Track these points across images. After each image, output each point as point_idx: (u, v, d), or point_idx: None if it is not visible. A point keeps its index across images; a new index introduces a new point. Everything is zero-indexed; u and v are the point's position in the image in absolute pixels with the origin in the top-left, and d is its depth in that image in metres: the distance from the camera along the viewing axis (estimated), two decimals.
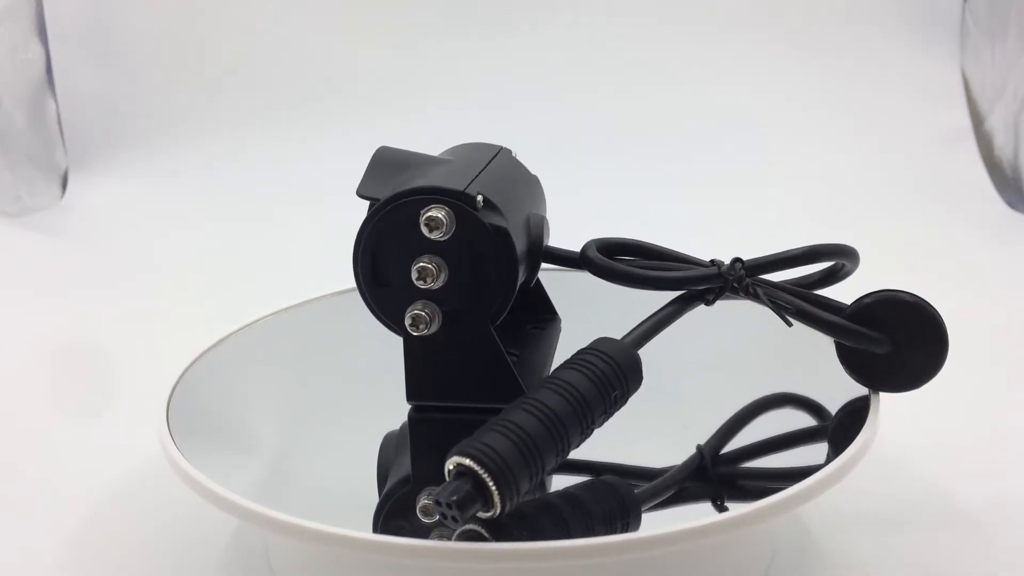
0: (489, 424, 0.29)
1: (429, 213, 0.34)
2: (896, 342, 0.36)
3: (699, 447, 0.35)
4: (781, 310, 0.35)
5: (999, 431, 0.49)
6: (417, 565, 0.31)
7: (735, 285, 0.36)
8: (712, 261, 0.36)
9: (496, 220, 0.35)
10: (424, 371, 0.36)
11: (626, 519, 0.32)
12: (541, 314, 0.43)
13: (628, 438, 0.36)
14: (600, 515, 0.32)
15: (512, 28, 0.98)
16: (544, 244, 0.40)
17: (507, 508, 0.28)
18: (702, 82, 0.97)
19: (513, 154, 0.42)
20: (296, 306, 0.48)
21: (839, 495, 0.33)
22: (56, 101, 0.89)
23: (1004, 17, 0.92)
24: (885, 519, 0.40)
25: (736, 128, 0.94)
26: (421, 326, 0.35)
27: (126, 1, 0.94)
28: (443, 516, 0.28)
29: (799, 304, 0.35)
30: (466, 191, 0.34)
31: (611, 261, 0.36)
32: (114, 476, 0.44)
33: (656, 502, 0.33)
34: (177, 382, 0.39)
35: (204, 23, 0.96)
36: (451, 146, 0.42)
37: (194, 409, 0.37)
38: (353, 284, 0.36)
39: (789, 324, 0.35)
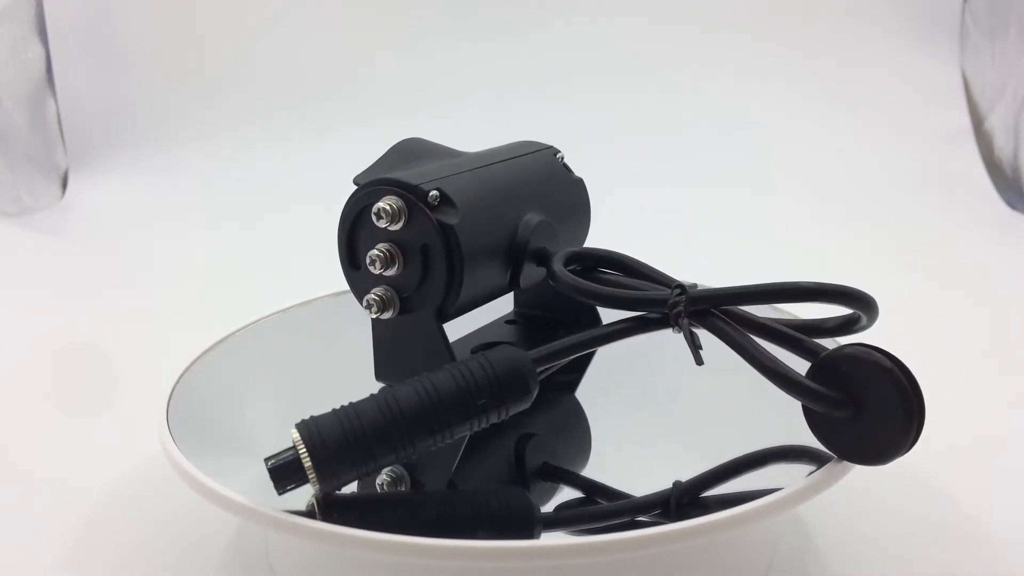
0: (344, 406, 0.30)
1: (378, 203, 0.35)
2: (859, 407, 0.30)
3: (675, 484, 0.32)
4: (698, 349, 0.32)
5: (999, 430, 0.49)
6: (418, 564, 0.31)
7: (666, 313, 0.32)
8: (677, 285, 0.33)
9: (446, 217, 0.35)
10: (387, 354, 0.38)
11: (521, 531, 0.31)
12: (586, 321, 0.42)
13: (624, 448, 0.37)
14: (494, 521, 0.31)
15: (512, 29, 0.98)
16: (544, 248, 0.39)
17: (326, 486, 0.29)
18: (702, 82, 0.97)
19: (557, 155, 0.43)
20: (295, 306, 0.48)
21: (839, 495, 0.33)
22: (56, 101, 0.89)
23: (1004, 17, 0.92)
24: (885, 519, 0.40)
25: (736, 128, 0.94)
26: (374, 309, 0.36)
27: (126, 1, 0.94)
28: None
29: (751, 347, 0.31)
30: (420, 186, 0.35)
31: (568, 273, 0.35)
32: (114, 476, 0.44)
33: (569, 528, 0.32)
34: (177, 382, 0.39)
35: (204, 23, 0.96)
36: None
37: (194, 409, 0.37)
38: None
39: (698, 363, 0.32)
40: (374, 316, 0.37)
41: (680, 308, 0.32)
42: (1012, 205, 0.88)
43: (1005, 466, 0.45)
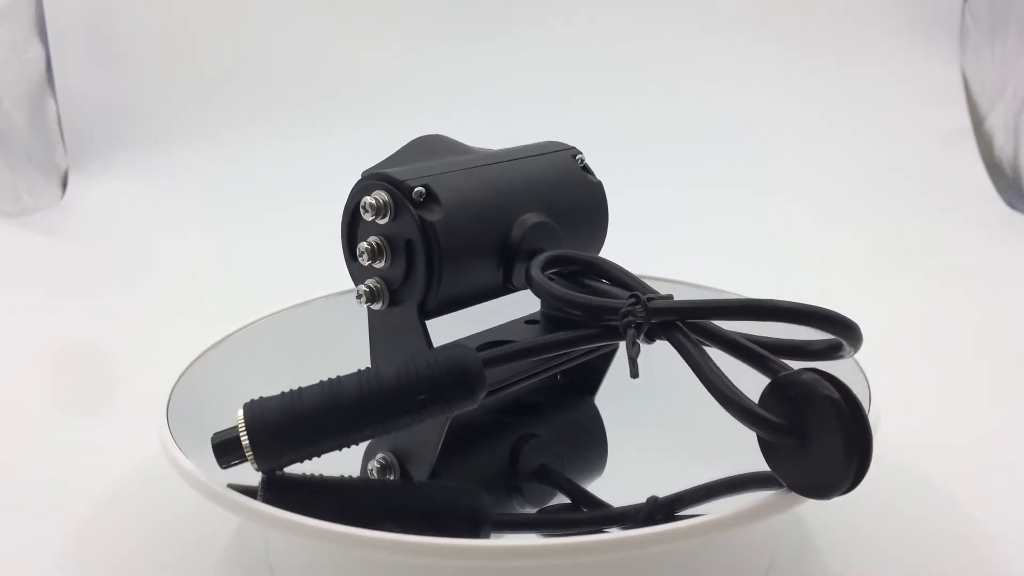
0: (292, 390, 0.31)
1: (367, 197, 0.36)
2: (804, 436, 0.28)
3: (650, 499, 0.31)
4: (634, 360, 0.31)
5: (999, 430, 0.49)
6: (417, 562, 0.31)
7: (616, 322, 0.32)
8: (632, 294, 0.32)
9: (428, 213, 0.36)
10: (378, 343, 0.39)
11: (469, 530, 0.31)
12: None
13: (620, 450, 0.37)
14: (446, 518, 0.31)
15: (512, 29, 0.98)
16: (540, 249, 0.38)
17: (263, 465, 0.31)
18: (702, 82, 0.97)
19: (577, 157, 0.42)
20: (295, 307, 0.48)
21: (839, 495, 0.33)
22: (56, 101, 0.89)
23: (1004, 17, 0.92)
24: (885, 519, 0.40)
25: (736, 128, 0.94)
26: (364, 299, 0.37)
27: (126, 1, 0.94)
28: None
29: (704, 365, 0.29)
30: (406, 182, 0.36)
31: (541, 275, 0.35)
32: (114, 476, 0.44)
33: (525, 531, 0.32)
34: (177, 382, 0.39)
35: (204, 24, 0.96)
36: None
37: (194, 409, 0.37)
38: (352, 286, 0.38)
39: (633, 376, 0.31)
40: (364, 305, 0.38)
41: (631, 318, 0.31)
42: (1012, 205, 0.88)
43: (1005, 466, 0.45)
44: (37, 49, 0.87)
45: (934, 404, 0.51)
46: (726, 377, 0.29)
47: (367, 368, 0.32)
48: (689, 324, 0.31)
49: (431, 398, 0.31)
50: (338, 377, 0.32)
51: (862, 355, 0.40)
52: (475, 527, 0.31)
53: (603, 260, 0.36)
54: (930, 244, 0.80)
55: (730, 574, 0.35)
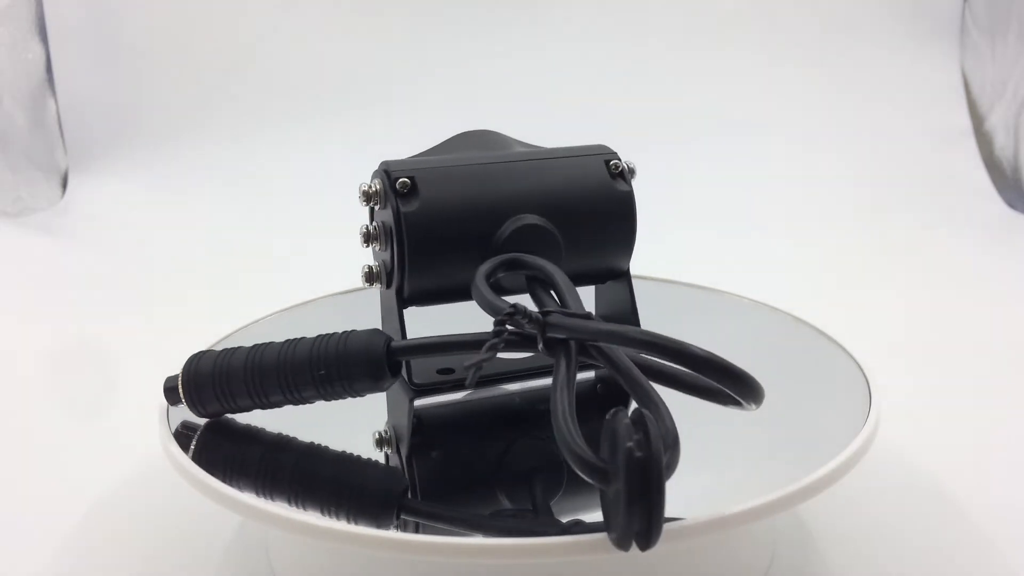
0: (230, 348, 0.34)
1: (362, 184, 0.38)
2: (607, 481, 0.25)
3: (572, 522, 0.30)
4: (475, 373, 0.30)
5: (999, 430, 0.49)
6: (416, 561, 0.31)
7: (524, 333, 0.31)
8: (508, 311, 0.31)
9: (406, 205, 0.37)
10: (382, 320, 0.40)
11: (376, 512, 0.30)
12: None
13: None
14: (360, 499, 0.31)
15: (512, 29, 0.98)
16: (517, 252, 0.38)
17: (197, 411, 0.34)
18: (701, 82, 0.97)
19: (611, 163, 0.41)
20: (295, 306, 0.48)
21: (839, 494, 0.33)
22: (56, 101, 0.89)
23: (1004, 17, 0.92)
24: (885, 519, 0.40)
25: (736, 128, 0.94)
26: (363, 279, 0.40)
27: (126, 1, 0.94)
28: None
29: (557, 390, 0.28)
30: (393, 172, 0.38)
31: (481, 277, 0.35)
32: (114, 476, 0.44)
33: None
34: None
35: (204, 23, 0.96)
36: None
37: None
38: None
39: (468, 385, 0.31)
40: (364, 283, 0.40)
41: (502, 328, 0.31)
42: (1012, 205, 0.88)
43: (1005, 466, 0.45)
44: (37, 49, 0.87)
45: (934, 404, 0.51)
46: (569, 408, 0.27)
47: (294, 339, 0.34)
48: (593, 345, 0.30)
49: (335, 375, 0.32)
50: (268, 343, 0.34)
51: (862, 355, 0.40)
52: (378, 508, 0.31)
53: (551, 270, 0.35)
54: (930, 244, 0.80)
55: (730, 574, 0.35)
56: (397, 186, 0.37)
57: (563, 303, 0.33)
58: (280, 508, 0.29)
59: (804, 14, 1.00)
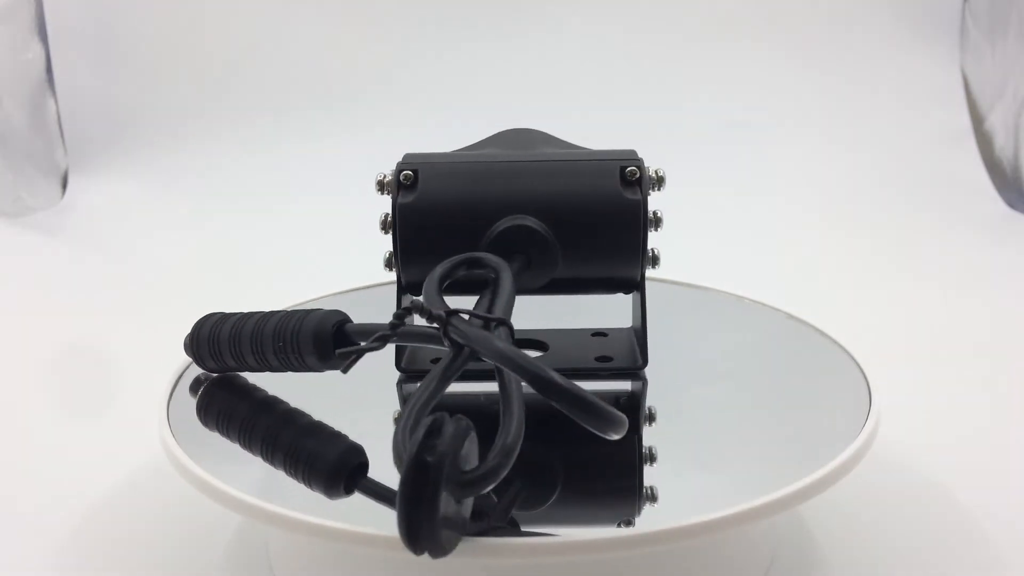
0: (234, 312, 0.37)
1: (379, 175, 0.40)
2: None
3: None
4: (352, 362, 0.32)
5: (999, 430, 0.49)
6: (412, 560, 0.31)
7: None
8: (412, 301, 0.32)
9: (403, 197, 0.39)
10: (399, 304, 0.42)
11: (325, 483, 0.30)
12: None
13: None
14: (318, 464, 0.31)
15: (512, 29, 0.98)
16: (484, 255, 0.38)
17: (201, 366, 0.38)
18: (701, 82, 0.97)
19: (627, 170, 0.39)
20: (295, 306, 0.48)
21: (840, 495, 0.33)
22: (56, 101, 0.89)
23: (1004, 17, 0.92)
24: (886, 519, 0.40)
25: (735, 128, 0.94)
26: (385, 264, 0.41)
27: (126, 1, 0.94)
28: None
29: (428, 382, 0.29)
30: (401, 164, 0.39)
31: (434, 275, 0.35)
32: (114, 476, 0.44)
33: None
34: (177, 381, 0.39)
35: (204, 23, 0.96)
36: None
37: (195, 407, 0.37)
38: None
39: (344, 371, 0.32)
40: (384, 269, 0.41)
41: (398, 322, 0.31)
42: (1012, 205, 0.88)
43: (1005, 466, 0.45)
44: (37, 49, 0.87)
45: (934, 404, 0.51)
46: (425, 401, 0.28)
47: (276, 311, 0.36)
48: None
49: (289, 348, 0.34)
50: (257, 312, 0.36)
51: (862, 355, 0.40)
52: (328, 477, 0.31)
53: (502, 274, 0.35)
54: (930, 244, 0.80)
55: (730, 574, 0.35)
56: (400, 178, 0.39)
57: (488, 307, 0.33)
58: (280, 508, 0.30)
59: (803, 14, 1.00)
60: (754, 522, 0.29)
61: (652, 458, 0.36)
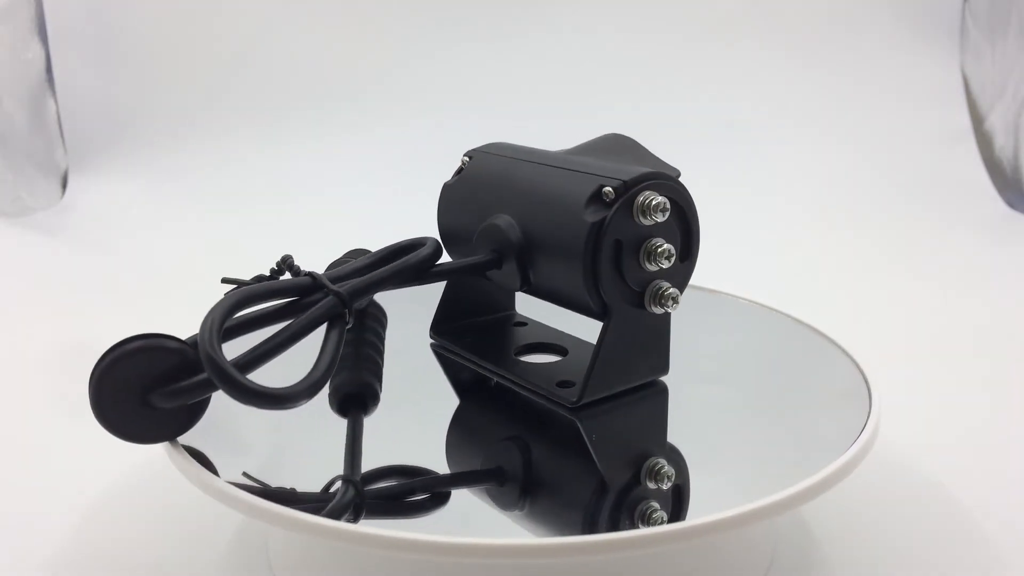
0: None
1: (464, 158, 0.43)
2: None
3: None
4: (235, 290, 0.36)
5: (1000, 430, 0.49)
6: (416, 560, 0.31)
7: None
8: (308, 273, 0.37)
9: (451, 179, 0.42)
10: None
11: None
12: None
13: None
14: None
15: (514, 31, 0.98)
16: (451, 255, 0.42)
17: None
18: (701, 82, 0.97)
19: (603, 187, 0.36)
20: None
21: (840, 495, 0.33)
22: (56, 101, 0.89)
23: (1004, 17, 0.92)
24: (885, 519, 0.40)
25: (736, 128, 0.94)
26: None
27: (126, 1, 0.94)
28: None
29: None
30: (473, 149, 0.43)
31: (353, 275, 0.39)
32: (114, 476, 0.44)
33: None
34: None
35: (204, 24, 0.96)
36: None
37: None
38: None
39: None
40: None
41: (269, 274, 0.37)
42: (1012, 205, 0.88)
43: (1005, 466, 0.45)
44: (37, 49, 0.87)
45: (934, 404, 0.51)
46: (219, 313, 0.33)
47: None
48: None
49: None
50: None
51: (862, 355, 0.40)
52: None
53: (379, 259, 0.39)
54: (930, 244, 0.80)
55: (730, 574, 0.35)
56: (462, 163, 0.42)
57: (349, 273, 0.37)
58: (280, 508, 0.30)
59: (803, 14, 1.00)
60: (755, 523, 0.29)
61: (652, 458, 0.35)
